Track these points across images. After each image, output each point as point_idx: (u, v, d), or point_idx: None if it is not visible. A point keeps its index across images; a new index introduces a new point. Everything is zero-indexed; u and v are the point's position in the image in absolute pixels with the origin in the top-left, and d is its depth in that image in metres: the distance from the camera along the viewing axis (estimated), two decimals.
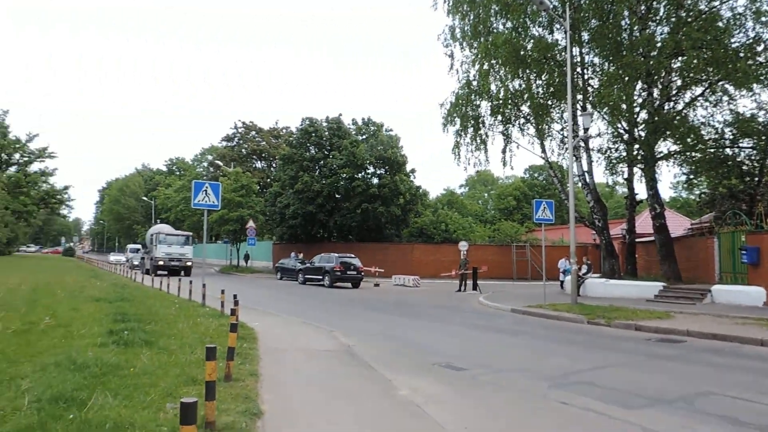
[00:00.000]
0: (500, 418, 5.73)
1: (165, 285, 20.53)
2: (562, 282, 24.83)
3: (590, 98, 23.54)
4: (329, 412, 5.60)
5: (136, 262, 43.08)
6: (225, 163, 52.52)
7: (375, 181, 38.48)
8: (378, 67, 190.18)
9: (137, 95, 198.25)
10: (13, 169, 61.07)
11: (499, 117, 25.91)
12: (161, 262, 33.53)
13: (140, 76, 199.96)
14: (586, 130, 20.61)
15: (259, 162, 59.60)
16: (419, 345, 10.55)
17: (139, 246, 69.55)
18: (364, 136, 39.95)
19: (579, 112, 22.65)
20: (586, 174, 24.69)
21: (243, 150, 58.78)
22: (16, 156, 61.57)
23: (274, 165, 55.32)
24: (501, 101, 24.88)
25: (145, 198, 79.68)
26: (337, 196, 38.49)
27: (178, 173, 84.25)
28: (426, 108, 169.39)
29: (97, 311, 12.10)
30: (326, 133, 40.64)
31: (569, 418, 5.76)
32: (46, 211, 70.96)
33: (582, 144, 23.99)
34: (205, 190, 14.67)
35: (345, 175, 37.14)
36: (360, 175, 38.16)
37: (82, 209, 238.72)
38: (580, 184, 24.69)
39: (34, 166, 63.33)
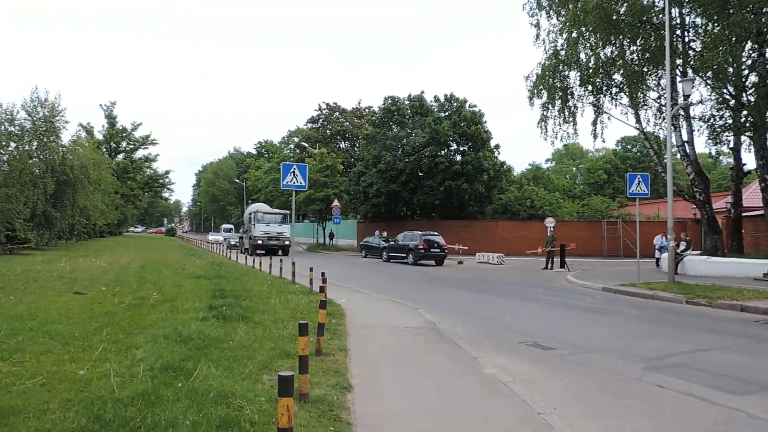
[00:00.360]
0: (591, 401, 5.59)
1: (257, 263, 21.58)
2: (657, 260, 23.50)
3: (691, 62, 21.79)
4: (416, 388, 5.71)
5: (233, 242, 43.04)
6: (310, 145, 53.93)
7: (458, 158, 38.04)
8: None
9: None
10: (120, 156, 66.15)
11: (590, 87, 24.62)
12: (260, 242, 32.77)
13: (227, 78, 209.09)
14: (686, 97, 19.09)
15: (342, 142, 60.68)
16: (505, 323, 10.46)
17: (231, 226, 73.37)
18: (446, 113, 39.48)
19: (678, 78, 21.04)
20: (685, 144, 23.02)
21: (327, 131, 60.02)
22: (123, 144, 66.60)
23: (357, 145, 56.09)
24: (591, 70, 23.61)
25: (237, 180, 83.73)
26: (420, 173, 38.45)
27: (266, 156, 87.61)
28: (510, 81, 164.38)
29: (198, 287, 12.98)
30: (408, 111, 40.58)
31: (666, 402, 5.51)
32: (150, 194, 76.49)
33: (681, 112, 22.32)
34: (293, 172, 15.17)
35: (428, 152, 36.99)
36: (443, 152, 37.87)
37: (180, 191, 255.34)
38: (678, 155, 23.07)
39: (139, 153, 68.29)
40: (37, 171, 26.56)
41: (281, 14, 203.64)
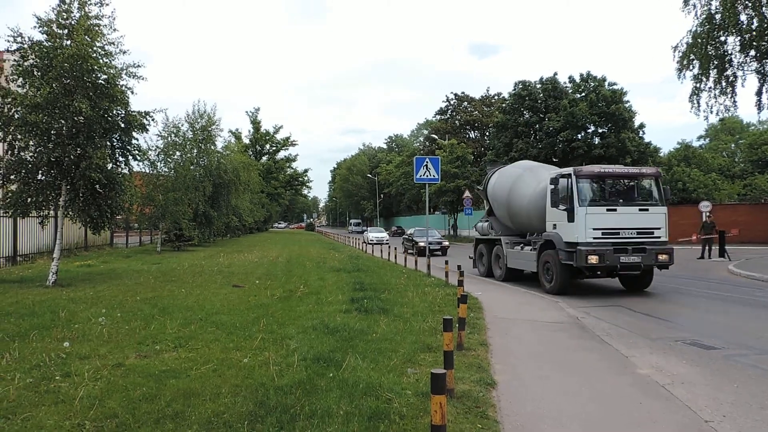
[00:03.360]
0: None
1: (392, 256, 22.12)
2: None
3: None
4: (563, 388, 5.50)
5: (424, 243, 22.23)
6: (440, 136, 54.01)
7: (597, 141, 35.83)
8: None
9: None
10: (265, 157, 71.47)
11: (752, 52, 21.84)
12: (593, 258, 11.99)
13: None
14: None
15: (472, 132, 60.06)
16: (656, 318, 9.68)
17: (360, 220, 75.43)
18: (583, 93, 37.33)
19: None
20: None
21: (456, 121, 59.76)
22: (267, 146, 71.88)
23: (487, 134, 55.14)
24: (754, 33, 20.92)
25: (369, 175, 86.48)
26: (554, 160, 36.84)
27: (397, 150, 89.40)
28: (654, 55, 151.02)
29: (339, 280, 13.65)
30: (541, 95, 39.04)
31: None
32: (291, 192, 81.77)
33: None
34: (426, 165, 15.34)
35: (563, 137, 35.32)
36: (580, 135, 35.94)
37: (315, 188, 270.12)
38: None
39: (281, 154, 73.33)
40: (197, 175, 29.63)
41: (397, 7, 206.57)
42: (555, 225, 13.04)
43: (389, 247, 25.83)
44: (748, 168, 57.09)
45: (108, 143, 13.30)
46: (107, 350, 6.32)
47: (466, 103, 60.34)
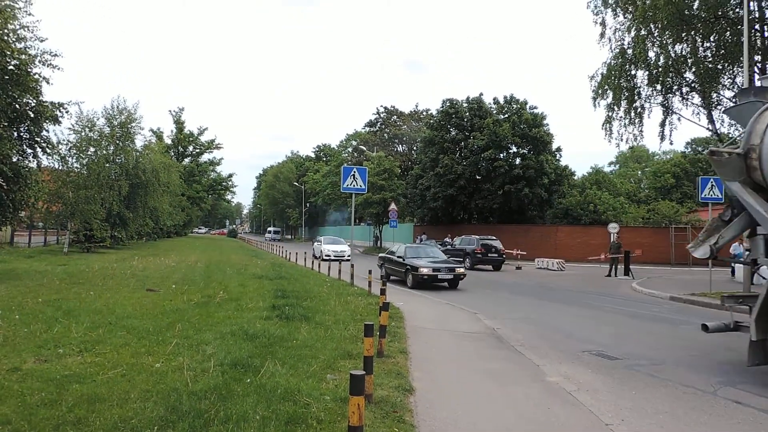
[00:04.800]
0: (661, 414, 5.36)
1: (316, 265, 21.96)
2: (733, 269, 22.24)
3: None
4: (479, 394, 5.67)
5: (425, 269, 16.91)
6: (368, 148, 54.42)
7: (518, 161, 37.36)
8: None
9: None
10: (187, 159, 68.95)
11: (658, 86, 23.67)
12: None
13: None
14: None
15: (400, 145, 60.88)
16: (566, 331, 10.18)
17: (278, 228, 74.28)
18: (506, 115, 38.88)
19: (756, 76, 19.91)
20: None
21: (385, 134, 60.42)
22: (190, 148, 69.40)
23: (415, 148, 56.13)
24: (660, 69, 22.69)
25: (296, 183, 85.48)
26: (478, 177, 38.03)
27: (325, 159, 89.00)
28: (571, 82, 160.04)
29: (261, 287, 13.36)
30: (467, 113, 40.21)
31: (744, 419, 5.23)
32: (213, 196, 79.30)
33: None
34: (353, 175, 15.40)
35: (487, 156, 36.54)
36: (502, 155, 37.31)
37: (240, 194, 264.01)
38: None
39: (204, 157, 70.98)
40: (112, 174, 28.12)
41: (335, 18, 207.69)
42: None
43: (340, 263, 18.97)
44: (651, 194, 61.63)
45: (15, 134, 12.40)
46: (2, 354, 5.86)
47: (395, 117, 61.22)
